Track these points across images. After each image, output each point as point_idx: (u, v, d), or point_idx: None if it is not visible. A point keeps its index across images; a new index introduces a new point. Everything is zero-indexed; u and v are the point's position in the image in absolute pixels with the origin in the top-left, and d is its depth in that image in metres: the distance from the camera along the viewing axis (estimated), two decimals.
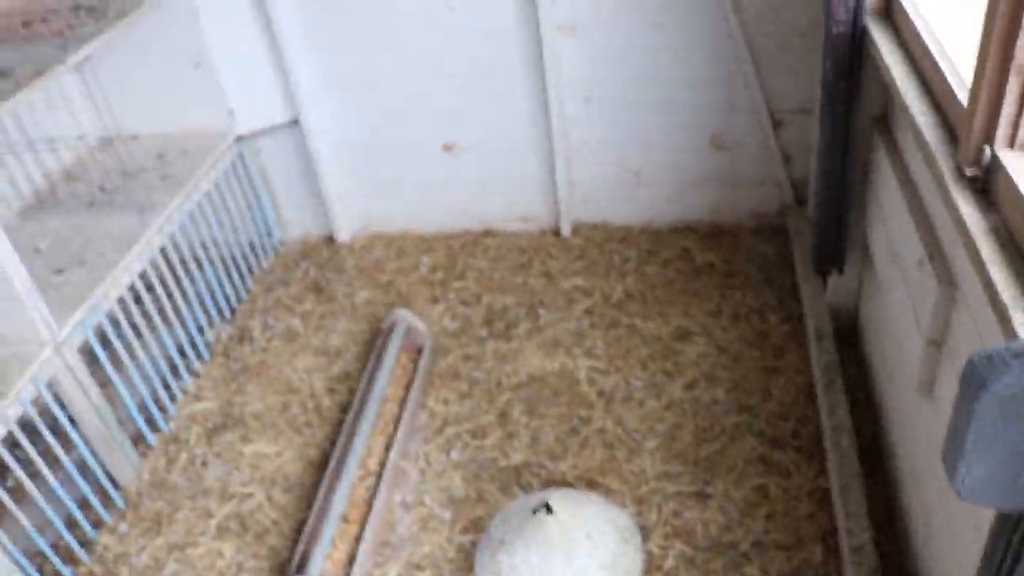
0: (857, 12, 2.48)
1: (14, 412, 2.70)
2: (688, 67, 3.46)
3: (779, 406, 3.07)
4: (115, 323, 3.16)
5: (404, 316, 3.43)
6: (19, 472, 2.73)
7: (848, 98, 2.63)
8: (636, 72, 3.51)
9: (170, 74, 3.65)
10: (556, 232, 3.98)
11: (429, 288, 3.82)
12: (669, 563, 2.68)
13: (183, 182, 3.50)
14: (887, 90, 2.64)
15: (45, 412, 2.86)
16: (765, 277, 3.58)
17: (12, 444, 2.73)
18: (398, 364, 3.41)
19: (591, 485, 2.92)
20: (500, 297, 3.70)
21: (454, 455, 3.11)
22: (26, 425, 2.76)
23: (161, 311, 3.43)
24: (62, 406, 2.93)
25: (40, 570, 2.80)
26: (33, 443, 2.79)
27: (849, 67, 2.57)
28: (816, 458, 2.87)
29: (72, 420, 2.98)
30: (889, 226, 2.59)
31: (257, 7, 3.56)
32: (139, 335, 3.31)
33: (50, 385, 2.87)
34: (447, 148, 3.85)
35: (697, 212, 3.86)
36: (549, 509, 2.46)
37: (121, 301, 3.17)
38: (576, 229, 3.97)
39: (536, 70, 3.55)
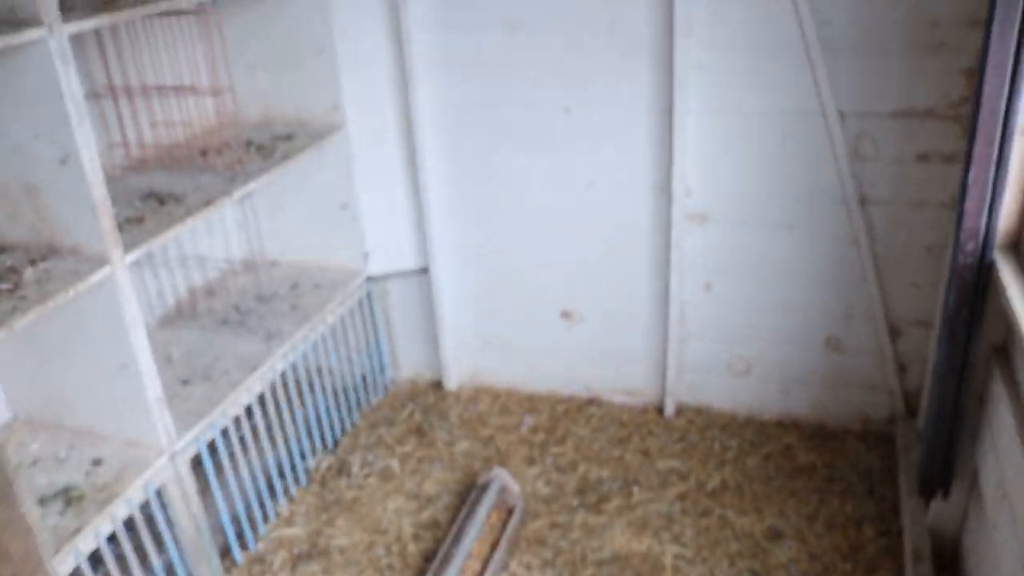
0: (986, 245, 2.52)
1: (122, 513, 2.84)
2: (810, 267, 3.53)
3: None
4: (225, 437, 3.31)
5: (500, 475, 3.48)
6: (112, 568, 2.84)
7: (968, 325, 2.64)
8: (759, 267, 3.59)
9: (317, 211, 3.91)
10: (660, 410, 4.01)
11: (527, 448, 3.87)
12: None
13: (311, 314, 3.70)
14: (1009, 322, 2.64)
15: (145, 511, 2.99)
16: (867, 487, 3.51)
17: (111, 539, 2.86)
18: (487, 522, 3.44)
19: None
20: (596, 468, 3.72)
21: None
22: (127, 522, 2.89)
23: (269, 430, 3.58)
24: (163, 510, 3.07)
25: None
26: (130, 540, 2.92)
27: (972, 296, 2.60)
28: None
29: (169, 523, 3.11)
30: (1002, 464, 2.54)
31: (408, 164, 3.82)
32: (245, 450, 3.45)
33: (159, 492, 3.01)
34: (565, 315, 3.97)
35: (804, 410, 3.84)
36: None
37: (236, 418, 3.33)
38: (680, 410, 3.99)
39: (662, 253, 3.67)
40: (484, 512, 3.39)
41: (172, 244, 3.65)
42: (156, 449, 2.98)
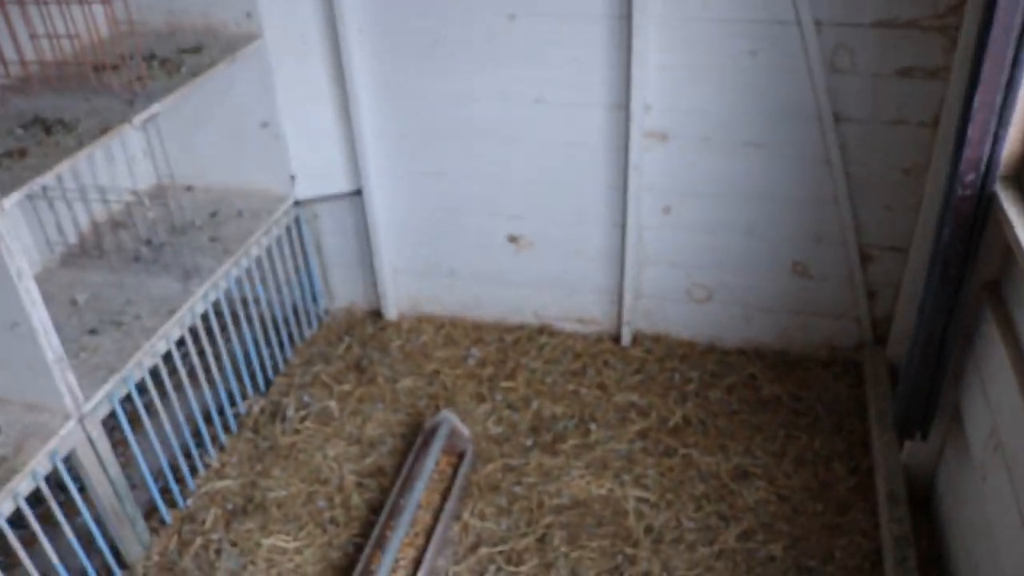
0: (987, 176, 2.27)
1: (25, 487, 2.52)
2: (779, 190, 3.26)
3: (841, 571, 2.81)
4: (142, 390, 2.98)
5: (448, 418, 3.22)
6: (16, 546, 2.53)
7: (963, 260, 2.41)
8: (723, 188, 3.31)
9: (235, 131, 3.51)
10: (615, 339, 3.77)
11: (476, 384, 3.62)
12: None
13: (234, 246, 3.34)
14: (1007, 257, 2.42)
15: (55, 478, 2.68)
16: (835, 420, 3.33)
17: (15, 517, 2.54)
18: (436, 468, 3.20)
19: None
20: (550, 404, 3.49)
21: None
22: (32, 494, 2.58)
23: (191, 373, 3.25)
24: (75, 477, 2.76)
25: None
26: (37, 511, 2.61)
27: (969, 230, 2.36)
28: None
29: (82, 489, 2.80)
30: (994, 413, 2.36)
31: (335, 77, 3.42)
32: (165, 400, 3.13)
33: (67, 458, 2.69)
34: (512, 239, 3.67)
35: (767, 337, 3.63)
36: None
37: (153, 368, 2.99)
38: (637, 339, 3.76)
39: (618, 173, 3.37)
40: (433, 458, 3.14)
41: (68, 174, 3.22)
42: (61, 413, 2.64)
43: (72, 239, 3.34)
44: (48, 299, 3.10)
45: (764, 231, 3.37)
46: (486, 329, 3.90)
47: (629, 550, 2.92)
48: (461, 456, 3.24)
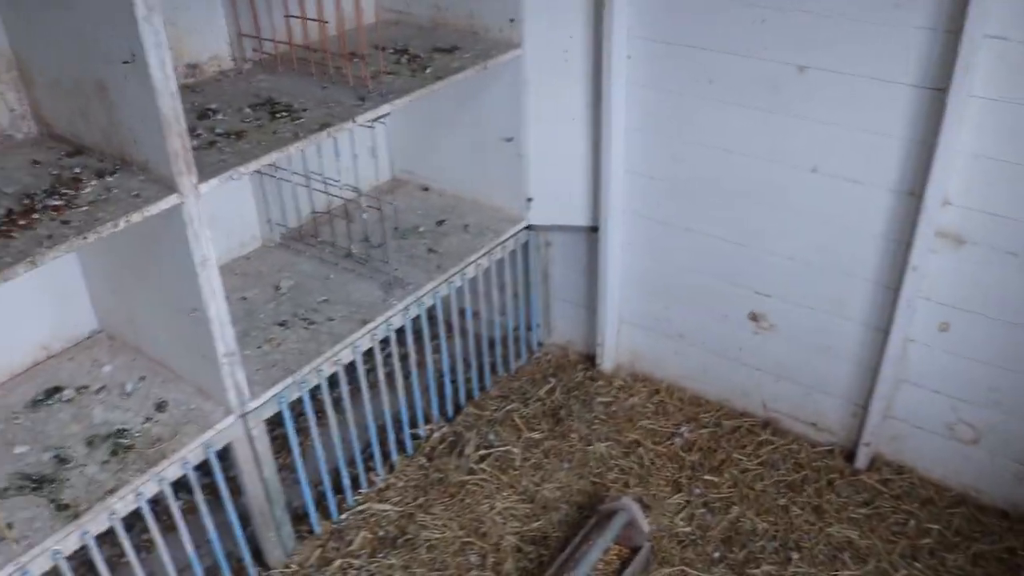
0: None
1: (173, 474, 2.44)
2: None
3: None
4: (315, 397, 2.84)
5: (630, 507, 2.83)
6: (155, 530, 2.46)
7: None
8: (1020, 313, 2.67)
9: (477, 140, 3.32)
10: (849, 457, 3.19)
11: (676, 469, 3.19)
12: None
13: (448, 265, 3.13)
14: None
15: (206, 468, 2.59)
16: None
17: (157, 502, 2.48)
18: (604, 559, 2.84)
19: None
20: (753, 516, 3.00)
21: None
22: (178, 482, 2.50)
23: (373, 386, 3.08)
24: (226, 468, 2.66)
25: None
26: (179, 498, 2.54)
27: None
28: None
29: (232, 481, 2.71)
30: None
31: (592, 101, 3.11)
32: (339, 405, 2.98)
33: (222, 454, 2.59)
34: (753, 317, 3.19)
35: None
36: None
37: (331, 377, 2.84)
38: (875, 464, 3.16)
39: (893, 271, 2.81)
40: (601, 548, 2.78)
41: (311, 152, 3.13)
42: (224, 407, 2.54)
43: (297, 222, 3.28)
44: (255, 279, 3.09)
45: None
46: (705, 407, 3.45)
47: None
48: (635, 551, 2.85)
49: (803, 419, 3.28)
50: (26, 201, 2.13)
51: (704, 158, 3.03)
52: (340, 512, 3.04)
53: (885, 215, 2.76)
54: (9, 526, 2.19)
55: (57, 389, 2.64)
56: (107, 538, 2.36)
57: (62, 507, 2.26)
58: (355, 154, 3.28)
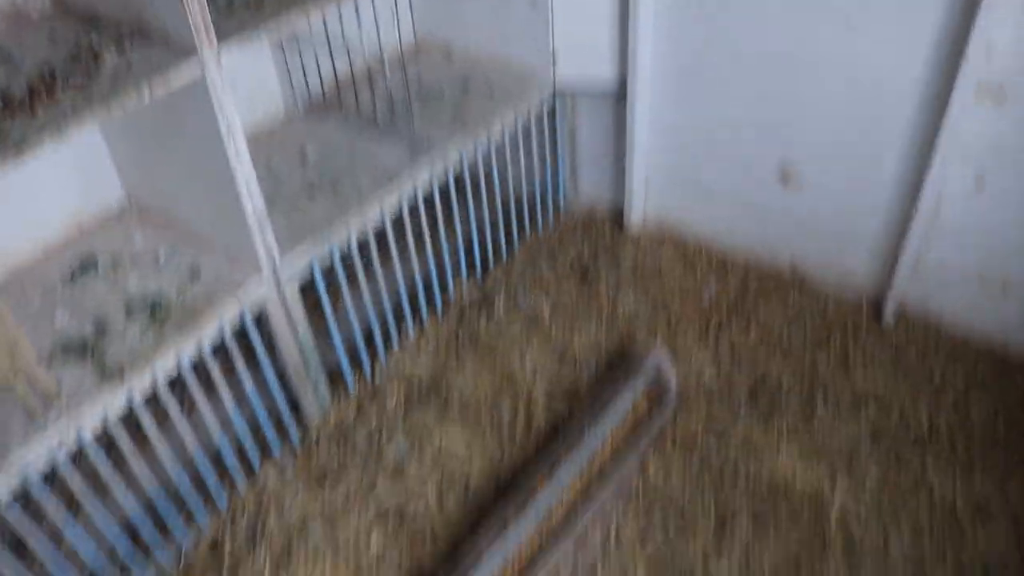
0: None
1: (210, 339, 2.52)
2: None
3: None
4: (346, 260, 2.88)
5: (660, 358, 2.89)
6: (197, 392, 2.56)
7: None
8: None
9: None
10: (875, 311, 3.22)
11: (703, 323, 3.24)
12: None
13: (474, 126, 3.11)
14: None
15: (242, 331, 2.67)
16: None
17: (197, 364, 2.57)
18: (632, 408, 2.92)
19: None
20: (779, 368, 3.05)
21: (649, 547, 2.61)
22: (217, 347, 2.59)
23: (403, 251, 3.12)
24: (263, 332, 2.73)
25: (196, 484, 2.67)
26: (219, 361, 2.63)
27: None
28: None
29: (269, 344, 2.79)
30: None
31: None
32: (370, 273, 3.02)
33: (257, 317, 2.66)
34: (783, 174, 3.16)
35: None
36: None
37: (361, 241, 2.87)
38: (901, 318, 3.18)
39: (928, 126, 2.75)
40: (630, 398, 2.86)
41: (319, 26, 3.07)
42: (257, 272, 2.59)
43: (320, 92, 3.25)
44: (281, 147, 3.10)
45: None
46: (732, 265, 3.47)
47: (817, 564, 2.53)
48: (663, 401, 2.93)
49: (831, 276, 3.29)
50: (48, 78, 2.13)
51: (736, 11, 2.94)
52: (374, 371, 3.14)
53: (922, 68, 2.68)
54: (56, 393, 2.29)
55: (92, 260, 2.70)
56: (150, 404, 2.46)
57: (107, 372, 2.35)
58: (376, 19, 3.22)
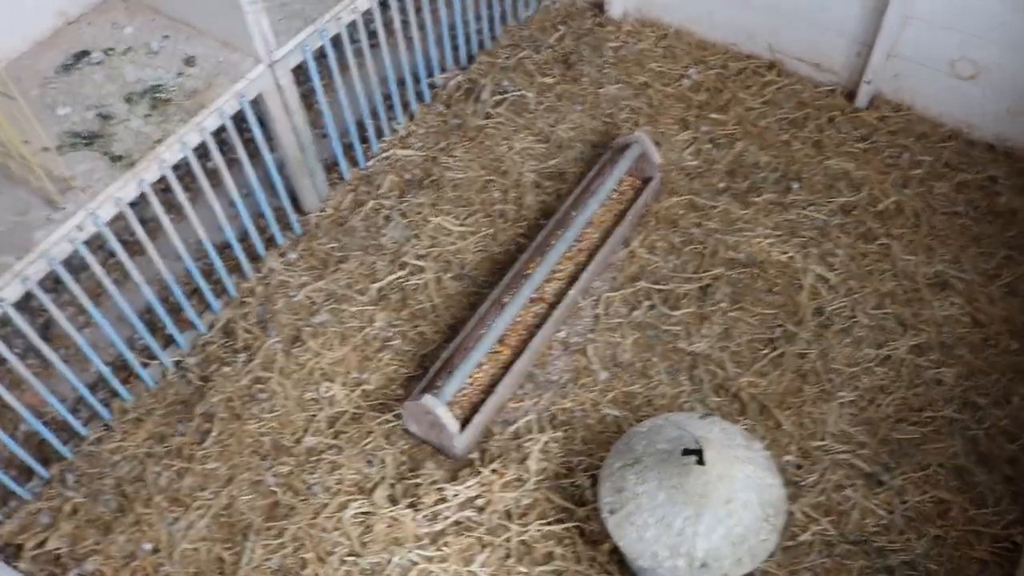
0: None
1: (212, 123, 2.57)
2: None
3: (1012, 423, 2.57)
4: (337, 45, 2.90)
5: (643, 140, 3.00)
6: (201, 177, 2.64)
7: None
8: None
9: None
10: (850, 96, 3.32)
11: (684, 108, 3.34)
12: (805, 537, 2.41)
13: None
14: None
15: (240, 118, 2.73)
16: None
17: (202, 152, 2.63)
18: (617, 189, 3.05)
19: (763, 413, 2.60)
20: (756, 150, 3.19)
21: (636, 314, 2.82)
22: (218, 133, 2.65)
23: (391, 36, 3.13)
24: (261, 122, 2.79)
25: (205, 275, 2.80)
26: (222, 150, 2.70)
27: None
28: None
29: (267, 135, 2.85)
30: None
31: None
32: (360, 57, 3.05)
33: (255, 102, 2.70)
34: None
35: None
36: (701, 460, 2.17)
37: (351, 23, 2.88)
38: (874, 103, 3.30)
39: None
40: (615, 178, 2.98)
41: None
42: (252, 56, 2.62)
43: None
44: None
45: None
46: (712, 51, 3.53)
47: (791, 327, 2.76)
48: (646, 182, 3.07)
49: (807, 60, 3.37)
50: None
51: None
52: (367, 159, 3.22)
53: None
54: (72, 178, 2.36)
55: (84, 53, 2.70)
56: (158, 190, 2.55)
57: (116, 158, 2.42)
58: None
